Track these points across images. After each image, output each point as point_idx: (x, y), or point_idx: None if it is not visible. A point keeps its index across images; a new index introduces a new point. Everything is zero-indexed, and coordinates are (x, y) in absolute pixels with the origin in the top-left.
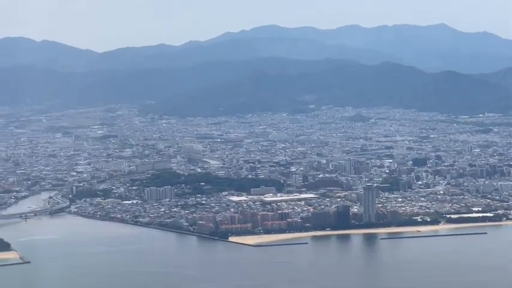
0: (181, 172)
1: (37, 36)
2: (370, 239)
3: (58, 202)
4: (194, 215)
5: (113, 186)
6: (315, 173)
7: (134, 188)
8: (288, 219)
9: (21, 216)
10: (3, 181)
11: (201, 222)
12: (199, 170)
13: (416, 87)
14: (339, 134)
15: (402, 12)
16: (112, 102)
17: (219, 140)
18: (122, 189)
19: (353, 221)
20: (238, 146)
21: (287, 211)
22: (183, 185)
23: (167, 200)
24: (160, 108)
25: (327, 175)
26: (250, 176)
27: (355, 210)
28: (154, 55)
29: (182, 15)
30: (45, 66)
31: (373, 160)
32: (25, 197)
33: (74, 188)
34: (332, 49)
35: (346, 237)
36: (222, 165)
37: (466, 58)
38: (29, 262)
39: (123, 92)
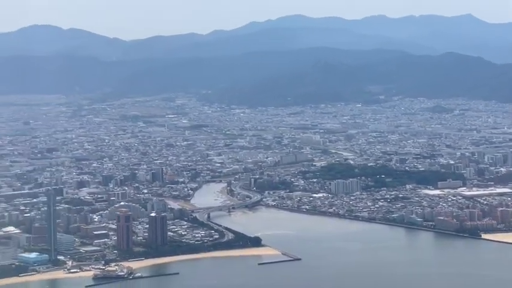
0: (353, 164)
1: (64, 23)
2: None
3: (248, 195)
4: (422, 210)
5: (283, 178)
6: (483, 166)
7: (314, 180)
8: None
9: (221, 209)
10: (169, 172)
11: (440, 217)
12: (351, 162)
13: (487, 78)
14: (436, 125)
15: (428, 2)
16: (164, 91)
17: (321, 131)
18: (302, 181)
19: None
20: (349, 137)
21: None
22: (362, 177)
23: (357, 193)
24: (220, 97)
25: (509, 168)
26: (407, 168)
27: None
28: (187, 44)
29: (205, 3)
30: (77, 55)
31: None
32: (196, 188)
33: (252, 180)
34: (373, 40)
35: None
36: (359, 157)
37: (495, 49)
38: (300, 259)
39: (171, 81)
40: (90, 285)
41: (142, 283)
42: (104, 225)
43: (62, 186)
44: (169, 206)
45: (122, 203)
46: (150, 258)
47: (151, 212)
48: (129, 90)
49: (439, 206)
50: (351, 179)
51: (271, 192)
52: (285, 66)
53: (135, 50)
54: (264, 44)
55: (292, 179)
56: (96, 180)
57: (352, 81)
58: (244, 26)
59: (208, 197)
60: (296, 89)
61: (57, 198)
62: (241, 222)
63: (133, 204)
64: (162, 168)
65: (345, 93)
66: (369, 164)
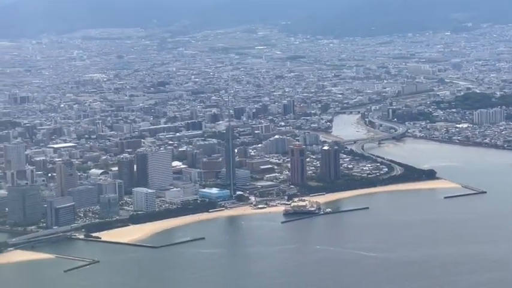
0: (489, 93)
1: None
2: None
3: (391, 127)
4: None
5: (416, 108)
6: None
7: (453, 110)
8: None
9: (371, 141)
10: (301, 104)
11: None
12: (486, 92)
13: None
14: None
15: None
16: (242, 23)
17: (423, 60)
18: (441, 112)
19: None
20: (457, 66)
21: None
22: (503, 106)
23: (503, 122)
24: (302, 28)
25: None
26: None
27: None
28: None
29: None
30: None
31: None
32: (330, 120)
33: (390, 110)
34: None
35: None
36: (479, 86)
37: None
38: (485, 192)
39: (248, 12)
40: (285, 221)
41: (334, 218)
42: (267, 159)
43: (200, 120)
44: (320, 139)
45: (276, 136)
46: (330, 193)
47: (324, 146)
48: (207, 22)
49: None
50: (494, 109)
51: (411, 123)
52: None
53: None
54: None
55: (430, 109)
56: (225, 113)
57: (435, 8)
58: None
59: (348, 128)
60: (379, 18)
61: (198, 132)
62: (397, 153)
63: (288, 137)
64: (292, 100)
65: (430, 21)
66: (507, 93)
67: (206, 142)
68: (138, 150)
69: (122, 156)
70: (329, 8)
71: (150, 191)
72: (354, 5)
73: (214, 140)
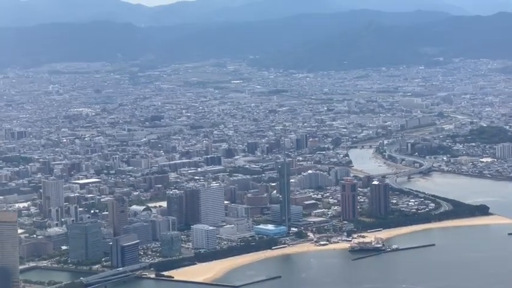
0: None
1: None
2: None
3: (415, 161)
4: None
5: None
6: None
7: (473, 144)
8: None
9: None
10: (312, 139)
11: None
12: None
13: None
14: None
15: None
16: (209, 57)
17: (409, 94)
18: (460, 146)
19: None
20: (447, 100)
21: None
22: None
23: None
24: (272, 62)
25: None
26: None
27: None
28: (217, 9)
29: None
30: (111, 21)
31: None
32: (346, 155)
33: (409, 144)
34: (414, 1)
35: None
36: (482, 119)
37: None
38: None
39: (214, 46)
40: (356, 258)
41: (402, 255)
42: (309, 194)
43: (219, 155)
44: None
45: (310, 171)
46: (386, 229)
47: (373, 181)
48: (173, 56)
49: None
50: None
51: (432, 157)
52: (333, 29)
53: (162, 16)
54: (299, 6)
55: (448, 143)
56: (240, 147)
57: (405, 43)
58: None
59: (368, 163)
60: (349, 52)
61: (219, 167)
62: (433, 188)
63: (322, 172)
64: (305, 135)
65: (401, 55)
66: None
67: (239, 177)
68: (187, 186)
69: (171, 192)
70: (296, 42)
71: (210, 228)
72: (322, 39)
73: (248, 176)
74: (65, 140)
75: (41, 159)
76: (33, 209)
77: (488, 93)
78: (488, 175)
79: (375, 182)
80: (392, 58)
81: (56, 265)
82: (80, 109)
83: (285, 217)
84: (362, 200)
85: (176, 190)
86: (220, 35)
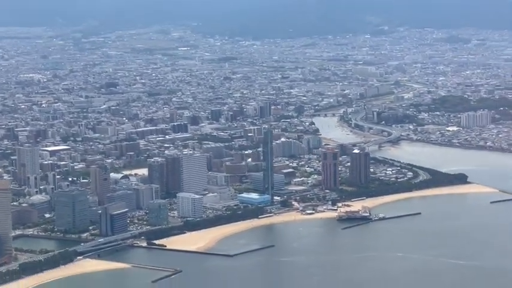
0: (466, 96)
1: None
2: None
3: (383, 130)
4: None
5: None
6: None
7: (437, 113)
8: None
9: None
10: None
11: None
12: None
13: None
14: (468, 56)
15: None
16: (152, 23)
17: (360, 62)
18: (426, 114)
19: None
20: (399, 68)
21: None
22: (485, 110)
23: (491, 126)
24: (216, 29)
25: None
26: None
27: None
28: None
29: None
30: None
31: None
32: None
33: (375, 113)
34: None
35: None
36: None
37: None
38: None
39: (156, 13)
40: (345, 227)
41: (390, 224)
42: (286, 163)
43: (186, 122)
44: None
45: (283, 139)
46: (369, 198)
47: (354, 149)
48: (116, 23)
49: None
50: (480, 112)
51: (398, 126)
52: None
53: None
54: None
55: (415, 112)
56: (204, 115)
57: (349, 11)
58: None
59: (335, 131)
60: (295, 20)
61: (187, 134)
62: (406, 157)
63: (294, 140)
64: (269, 103)
65: (346, 23)
66: (483, 96)
67: (213, 145)
68: (167, 153)
69: (152, 159)
70: (239, 9)
71: (197, 196)
72: (266, 5)
73: (221, 144)
74: (23, 107)
75: (3, 125)
76: (6, 176)
77: (438, 63)
78: (457, 144)
79: (356, 151)
80: (338, 26)
81: (42, 233)
82: (30, 75)
83: (267, 185)
84: (339, 168)
85: (158, 158)
86: (162, 1)
